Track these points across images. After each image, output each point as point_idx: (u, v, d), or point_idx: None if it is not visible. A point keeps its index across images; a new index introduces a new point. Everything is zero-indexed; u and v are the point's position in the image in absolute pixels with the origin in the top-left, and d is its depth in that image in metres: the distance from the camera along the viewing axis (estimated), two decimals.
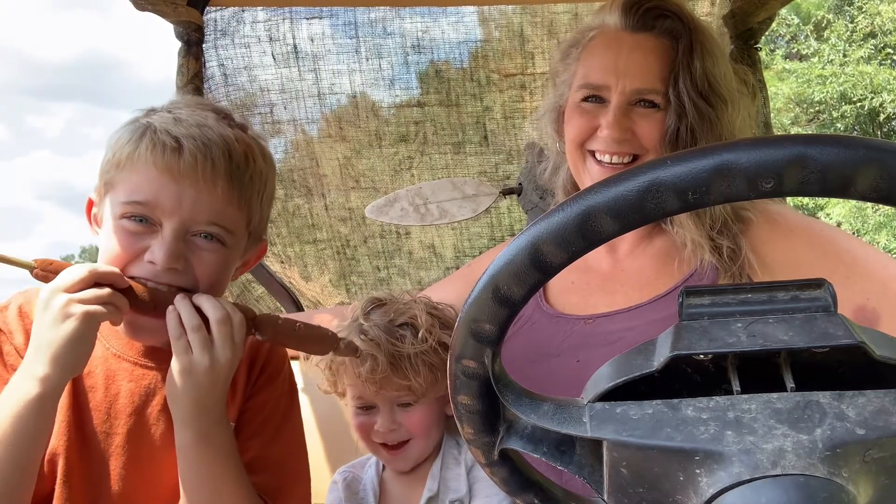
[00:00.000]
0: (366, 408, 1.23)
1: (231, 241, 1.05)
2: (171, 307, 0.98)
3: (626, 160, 1.21)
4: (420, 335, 1.18)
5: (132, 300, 0.98)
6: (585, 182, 1.27)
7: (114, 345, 1.09)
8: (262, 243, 1.17)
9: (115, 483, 1.04)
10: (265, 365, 1.17)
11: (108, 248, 1.01)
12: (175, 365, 0.97)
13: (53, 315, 0.91)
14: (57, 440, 1.02)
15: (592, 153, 1.24)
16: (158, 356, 1.08)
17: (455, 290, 1.38)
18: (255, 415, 1.12)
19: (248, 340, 1.14)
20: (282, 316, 1.09)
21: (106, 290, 0.94)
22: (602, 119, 1.21)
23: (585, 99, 1.24)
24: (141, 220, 1.00)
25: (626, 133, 1.19)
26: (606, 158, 1.21)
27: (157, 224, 1.00)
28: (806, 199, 12.23)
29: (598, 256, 1.30)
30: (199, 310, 0.98)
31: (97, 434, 1.05)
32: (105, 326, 1.08)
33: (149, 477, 1.05)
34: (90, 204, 1.09)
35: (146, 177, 0.99)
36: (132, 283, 0.99)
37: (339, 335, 1.16)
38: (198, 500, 0.99)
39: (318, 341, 1.10)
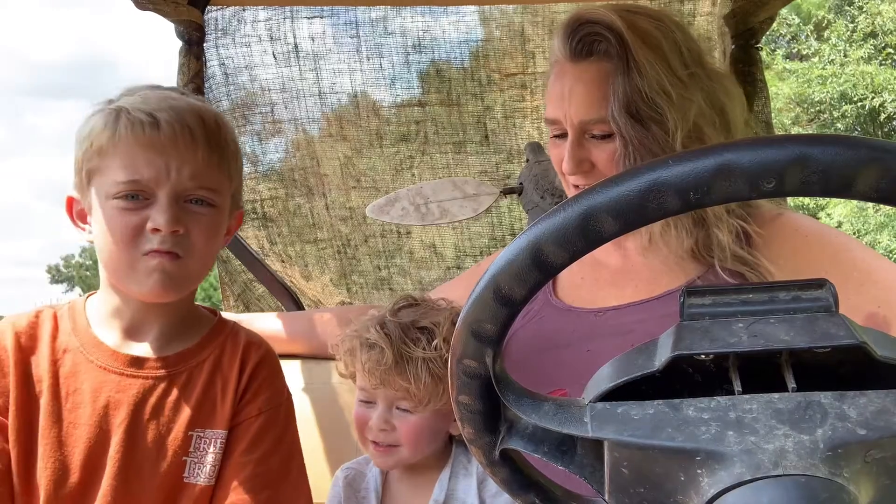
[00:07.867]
0: (367, 402, 1.22)
1: (219, 201, 1.09)
2: None
3: None
4: (435, 343, 1.17)
5: None
6: None
7: (98, 357, 1.08)
8: (239, 211, 1.20)
9: (102, 497, 1.03)
10: (259, 364, 1.15)
11: (108, 231, 1.03)
12: None
13: None
14: (43, 463, 1.02)
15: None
16: (144, 364, 1.08)
17: (463, 291, 1.37)
18: (251, 425, 1.10)
19: (242, 339, 1.16)
20: None
21: None
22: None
23: (554, 134, 1.24)
24: (134, 196, 1.02)
25: (583, 164, 1.18)
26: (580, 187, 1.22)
27: (150, 197, 1.03)
28: (807, 199, 12.22)
29: (607, 252, 1.30)
30: None
31: (88, 449, 1.04)
32: (88, 337, 1.09)
33: (135, 488, 1.04)
34: (70, 202, 1.11)
35: (131, 155, 1.02)
36: None
37: (352, 325, 1.21)
38: None
39: None
